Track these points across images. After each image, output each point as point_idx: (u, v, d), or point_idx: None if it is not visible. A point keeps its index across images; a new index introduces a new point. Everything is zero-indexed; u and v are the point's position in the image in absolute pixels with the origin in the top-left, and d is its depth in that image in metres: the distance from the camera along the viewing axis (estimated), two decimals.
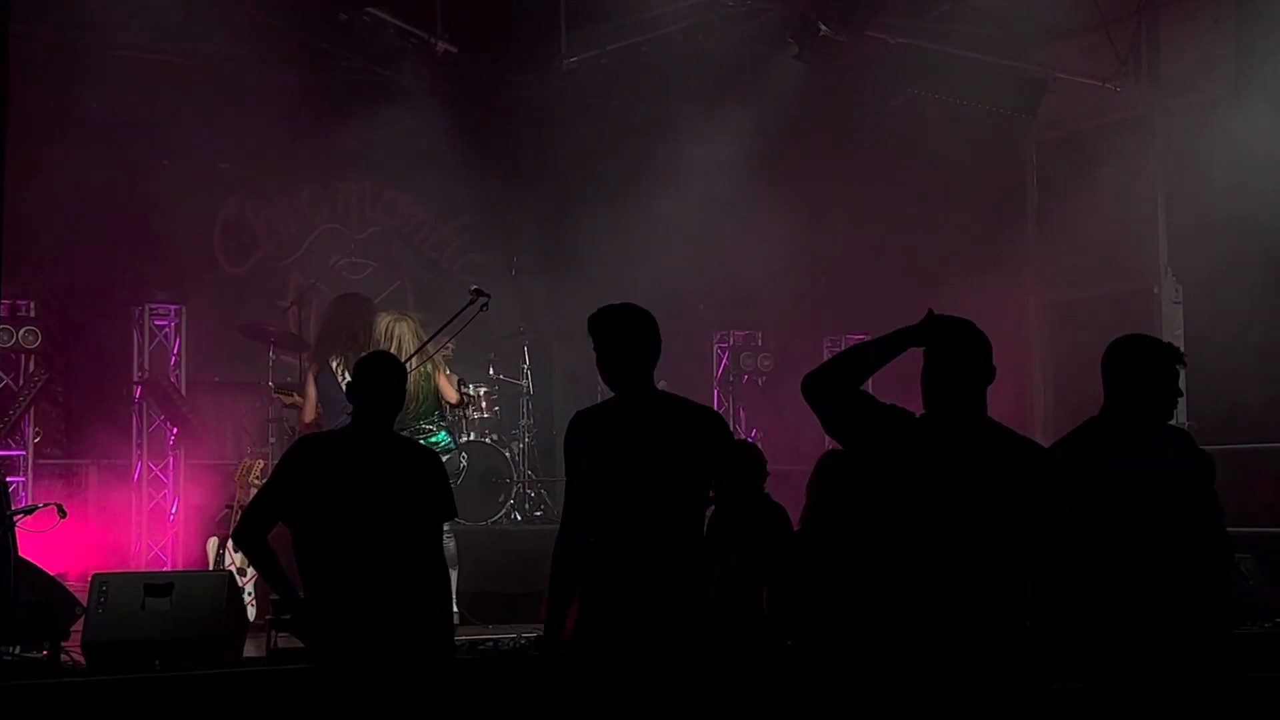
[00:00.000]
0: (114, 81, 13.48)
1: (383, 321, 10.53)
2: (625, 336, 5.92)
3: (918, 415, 5.34)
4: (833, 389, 5.32)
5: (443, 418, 10.84)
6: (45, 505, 9.47)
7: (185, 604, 8.57)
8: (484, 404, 13.33)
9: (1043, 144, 15.97)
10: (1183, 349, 12.76)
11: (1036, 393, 15.41)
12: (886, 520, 5.24)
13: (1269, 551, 11.66)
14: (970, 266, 15.24)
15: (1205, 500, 5.72)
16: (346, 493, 5.99)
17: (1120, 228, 14.00)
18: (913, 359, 5.52)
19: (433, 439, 10.58)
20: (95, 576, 8.87)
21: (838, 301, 15.73)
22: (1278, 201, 12.88)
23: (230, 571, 9.76)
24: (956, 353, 5.34)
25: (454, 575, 10.41)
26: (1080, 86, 14.55)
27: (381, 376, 6.23)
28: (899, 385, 5.74)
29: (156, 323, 13.33)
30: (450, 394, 10.80)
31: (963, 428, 5.26)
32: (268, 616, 8.81)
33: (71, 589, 9.60)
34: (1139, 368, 5.79)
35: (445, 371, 10.79)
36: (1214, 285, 13.01)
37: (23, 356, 12.84)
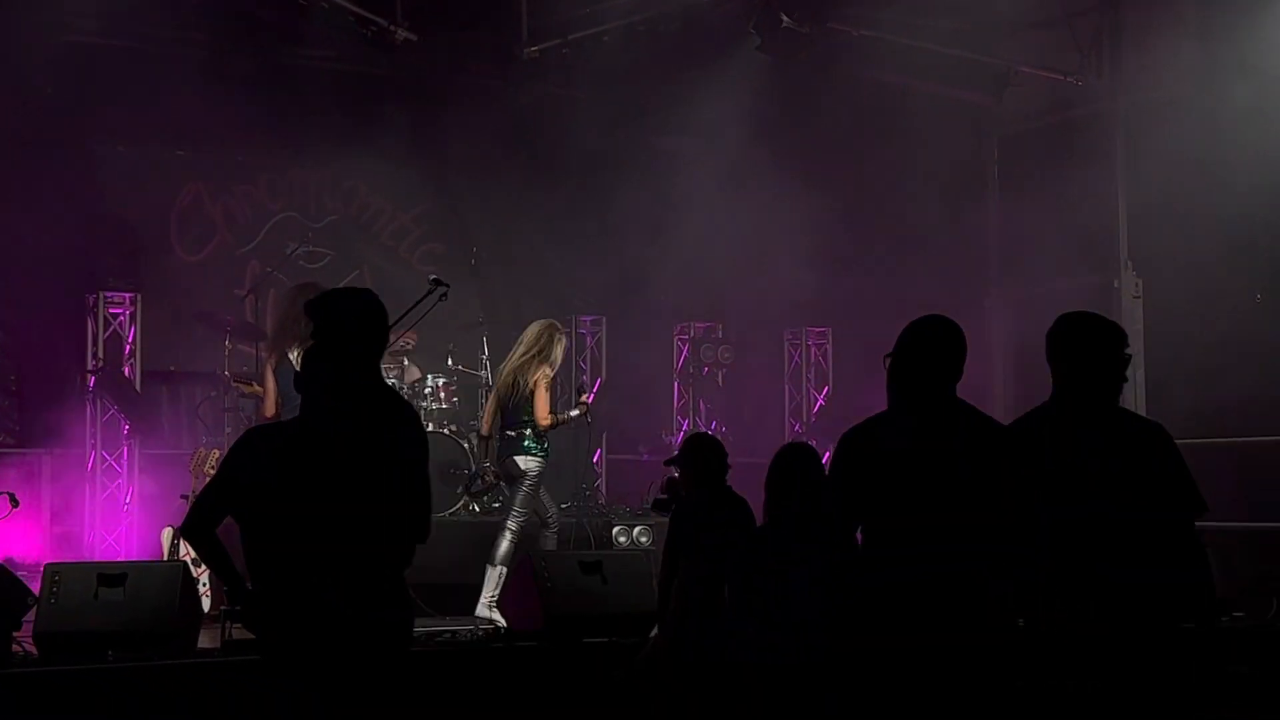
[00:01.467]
0: (70, 67, 13.35)
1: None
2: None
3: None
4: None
5: (532, 426, 10.96)
6: None
7: (139, 595, 8.50)
8: (442, 395, 13.27)
9: (1005, 138, 15.99)
10: (1143, 343, 12.81)
11: (996, 386, 15.41)
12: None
13: (1227, 547, 11.69)
14: (931, 259, 15.26)
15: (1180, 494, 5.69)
16: (293, 485, 5.90)
17: (1081, 222, 14.03)
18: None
19: (523, 443, 10.89)
20: (48, 566, 8.79)
21: (798, 294, 15.72)
22: (1238, 196, 12.91)
23: (185, 562, 9.67)
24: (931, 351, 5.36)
25: (501, 573, 10.61)
26: (1043, 80, 14.57)
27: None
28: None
29: (111, 311, 13.22)
30: (541, 411, 10.93)
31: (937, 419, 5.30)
32: (222, 607, 8.73)
33: (24, 579, 9.48)
34: (1087, 346, 5.73)
35: (545, 391, 10.96)
36: (1174, 280, 13.04)
37: None
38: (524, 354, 11.10)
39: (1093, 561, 5.44)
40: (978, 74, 14.45)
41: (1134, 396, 12.73)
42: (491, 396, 11.50)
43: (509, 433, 11.05)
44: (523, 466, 10.93)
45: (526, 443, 10.92)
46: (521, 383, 10.99)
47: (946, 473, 5.32)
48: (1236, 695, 7.63)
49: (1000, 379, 15.49)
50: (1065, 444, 5.61)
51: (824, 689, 6.15)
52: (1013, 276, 15.56)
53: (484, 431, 11.53)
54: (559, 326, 11.38)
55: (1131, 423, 5.75)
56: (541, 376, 10.95)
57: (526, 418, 10.95)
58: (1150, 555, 5.51)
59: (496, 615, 10.41)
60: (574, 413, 11.48)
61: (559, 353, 11.18)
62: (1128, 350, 5.77)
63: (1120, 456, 5.57)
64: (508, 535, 10.84)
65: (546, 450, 11.03)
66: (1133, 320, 13.27)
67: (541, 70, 14.51)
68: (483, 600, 10.66)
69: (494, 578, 10.69)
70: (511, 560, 10.62)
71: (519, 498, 10.94)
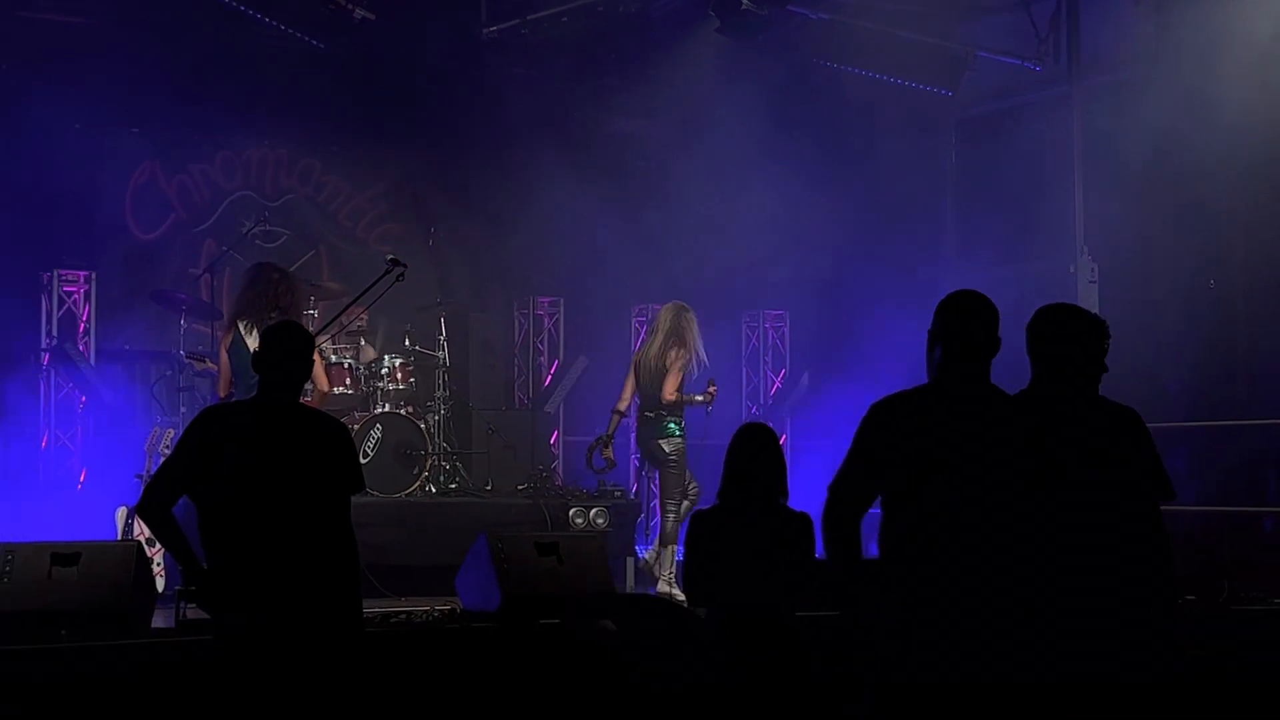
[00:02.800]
0: (23, 43, 13.26)
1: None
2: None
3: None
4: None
5: (667, 409, 11.58)
6: None
7: (93, 574, 8.45)
8: (399, 375, 13.23)
9: (962, 122, 16.04)
10: None
11: None
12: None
13: (1178, 530, 11.77)
14: (888, 243, 15.31)
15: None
16: (250, 464, 5.89)
17: (1037, 206, 14.09)
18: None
19: (664, 424, 11.54)
20: (0, 546, 8.73)
21: (757, 277, 15.75)
22: (1195, 182, 12.99)
23: (139, 542, 9.62)
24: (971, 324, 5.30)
25: (673, 551, 11.26)
26: (1000, 65, 14.61)
27: (286, 346, 6.11)
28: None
29: (66, 289, 13.15)
30: (668, 388, 11.50)
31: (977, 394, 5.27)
32: (177, 587, 8.69)
33: None
34: (1070, 336, 5.77)
35: (678, 373, 11.56)
36: (1129, 265, 13.10)
37: None
38: (663, 340, 11.64)
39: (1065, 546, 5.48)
40: (936, 58, 14.47)
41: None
42: (629, 376, 11.92)
43: (648, 414, 11.67)
44: (667, 450, 11.60)
45: (668, 425, 11.55)
46: (660, 366, 11.58)
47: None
48: (1190, 678, 7.69)
49: None
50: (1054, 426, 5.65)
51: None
52: (969, 261, 15.60)
53: (620, 407, 11.98)
54: (687, 307, 11.85)
55: (1107, 407, 5.78)
56: (677, 358, 11.56)
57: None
58: (1121, 539, 5.56)
59: (677, 591, 11.00)
60: (699, 398, 11.84)
61: (694, 333, 11.70)
62: (1107, 342, 5.83)
63: (1095, 441, 5.63)
64: (670, 516, 11.50)
65: (684, 430, 11.64)
66: (1088, 305, 13.31)
67: (501, 50, 14.47)
68: (662, 578, 11.39)
69: (667, 557, 11.37)
70: (676, 537, 11.25)
71: (669, 480, 11.62)
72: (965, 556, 5.06)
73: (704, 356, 11.76)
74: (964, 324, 5.29)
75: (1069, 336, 5.77)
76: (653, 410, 11.61)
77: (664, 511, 11.61)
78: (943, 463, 5.11)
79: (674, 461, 11.59)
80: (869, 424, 5.27)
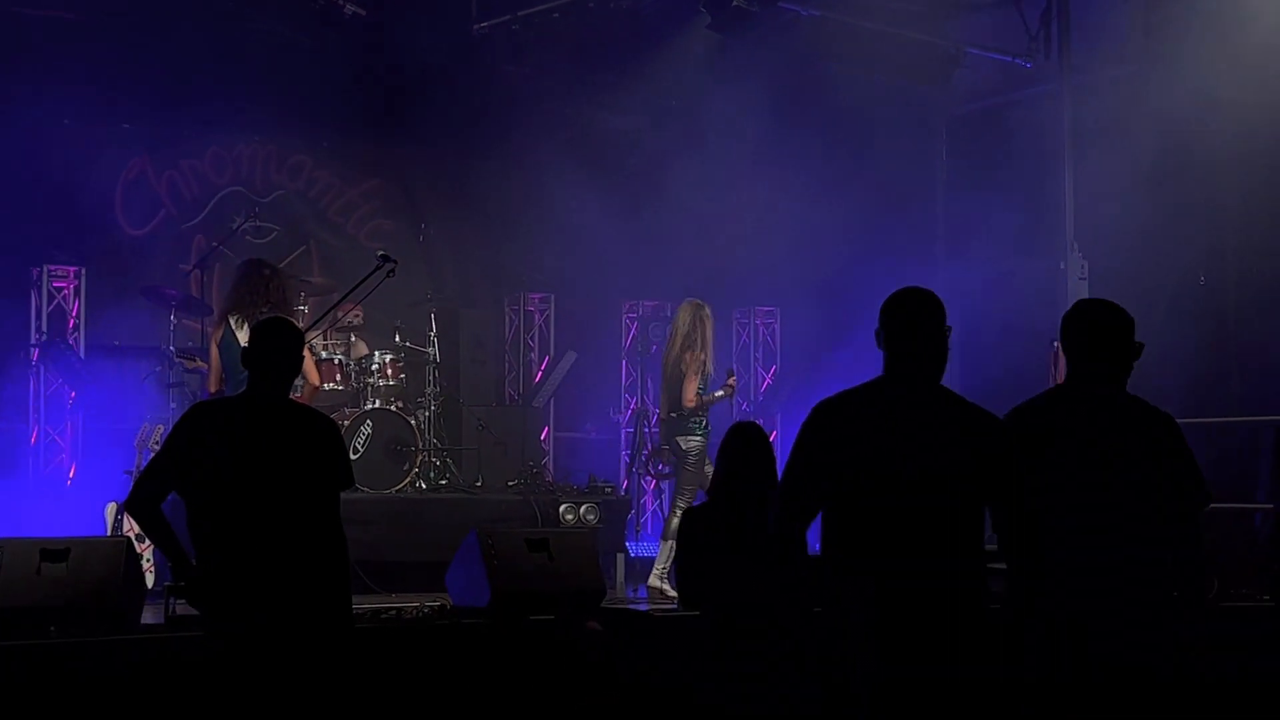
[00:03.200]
0: (12, 38, 13.23)
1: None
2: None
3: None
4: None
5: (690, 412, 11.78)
6: None
7: (82, 570, 8.43)
8: (389, 371, 13.23)
9: (953, 119, 16.04)
10: None
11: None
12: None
13: None
14: (879, 239, 15.31)
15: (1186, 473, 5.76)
16: (239, 461, 5.88)
17: (1028, 204, 14.08)
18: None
19: (685, 424, 11.73)
20: None
21: (746, 273, 15.75)
22: (1185, 179, 12.99)
23: (129, 538, 9.59)
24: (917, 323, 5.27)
25: (671, 547, 11.29)
26: (991, 62, 14.61)
27: (275, 341, 6.10)
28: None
29: (55, 284, 13.13)
30: (687, 394, 11.70)
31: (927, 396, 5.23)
32: (166, 583, 8.68)
33: None
34: (1098, 330, 5.79)
35: (694, 376, 11.72)
36: (1120, 262, 13.09)
37: None
38: (681, 342, 11.81)
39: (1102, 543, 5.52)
40: (926, 55, 14.47)
41: None
42: (662, 382, 12.16)
43: (672, 414, 11.83)
44: (684, 447, 11.75)
45: (690, 424, 11.72)
46: (678, 371, 11.77)
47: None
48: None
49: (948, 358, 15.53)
50: (1075, 423, 5.70)
51: None
52: (960, 258, 15.60)
53: (662, 415, 12.17)
54: (702, 305, 11.98)
55: (1139, 409, 5.81)
56: (692, 361, 11.71)
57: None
58: (1154, 536, 5.60)
59: (667, 586, 11.26)
60: (719, 394, 12.00)
61: (709, 333, 11.86)
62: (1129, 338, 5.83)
63: (1129, 441, 5.67)
64: (677, 512, 11.51)
65: (706, 428, 11.77)
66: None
67: (492, 46, 14.46)
68: (654, 571, 11.56)
69: (665, 551, 11.52)
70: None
71: (683, 476, 11.76)
72: (898, 558, 5.04)
73: (709, 362, 11.83)
74: (904, 323, 5.27)
75: (1095, 332, 5.81)
76: (676, 411, 11.76)
77: (673, 507, 11.75)
78: (869, 466, 5.09)
79: (691, 460, 11.71)
80: (809, 426, 5.26)
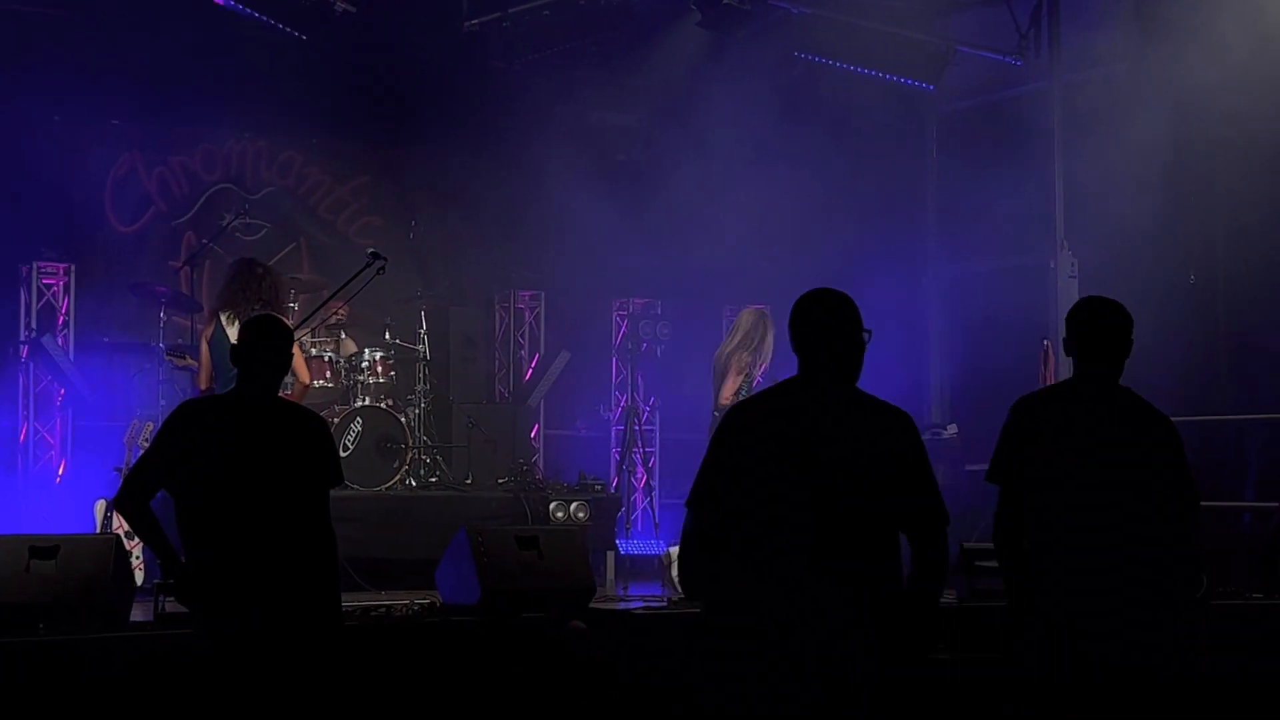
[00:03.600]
0: (1, 36, 13.20)
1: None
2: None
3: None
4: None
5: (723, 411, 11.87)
6: None
7: (71, 567, 8.41)
8: (379, 369, 13.22)
9: (944, 116, 16.05)
10: None
11: (933, 363, 15.50)
12: None
13: None
14: (870, 237, 15.31)
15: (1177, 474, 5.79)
16: (229, 458, 5.87)
17: (1018, 201, 14.09)
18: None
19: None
20: None
21: (737, 271, 15.74)
22: (1175, 177, 13.01)
23: (118, 535, 9.59)
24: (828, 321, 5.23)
25: None
26: (982, 60, 14.61)
27: (265, 339, 6.09)
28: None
29: (45, 281, 13.10)
30: (725, 392, 11.65)
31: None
32: (155, 581, 8.67)
33: None
34: (1098, 326, 5.84)
35: (735, 376, 11.68)
36: (1109, 260, 13.11)
37: None
38: (738, 341, 11.81)
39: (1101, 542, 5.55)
40: (917, 53, 14.47)
41: (1067, 376, 12.79)
42: (713, 380, 12.05)
43: (715, 413, 11.71)
44: None
45: None
46: (724, 368, 11.73)
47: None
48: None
49: (936, 357, 15.57)
50: (1076, 421, 5.73)
51: None
52: (950, 256, 15.62)
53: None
54: (767, 314, 11.98)
55: (1141, 408, 5.86)
56: (738, 362, 11.67)
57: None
58: (1152, 536, 5.63)
59: None
60: None
61: (769, 342, 11.80)
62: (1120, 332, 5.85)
63: (1130, 440, 5.72)
64: None
65: None
66: (1068, 300, 13.31)
67: (482, 43, 14.44)
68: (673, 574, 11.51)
69: None
70: None
71: None
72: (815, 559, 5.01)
73: (756, 369, 11.82)
74: (814, 326, 5.24)
75: (1092, 327, 5.86)
76: (718, 409, 11.68)
77: None
78: (776, 469, 5.06)
79: None
80: (720, 431, 5.26)
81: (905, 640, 5.03)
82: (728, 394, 11.60)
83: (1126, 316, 5.88)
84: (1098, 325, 5.84)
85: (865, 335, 5.24)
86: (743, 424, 5.22)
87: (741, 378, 11.65)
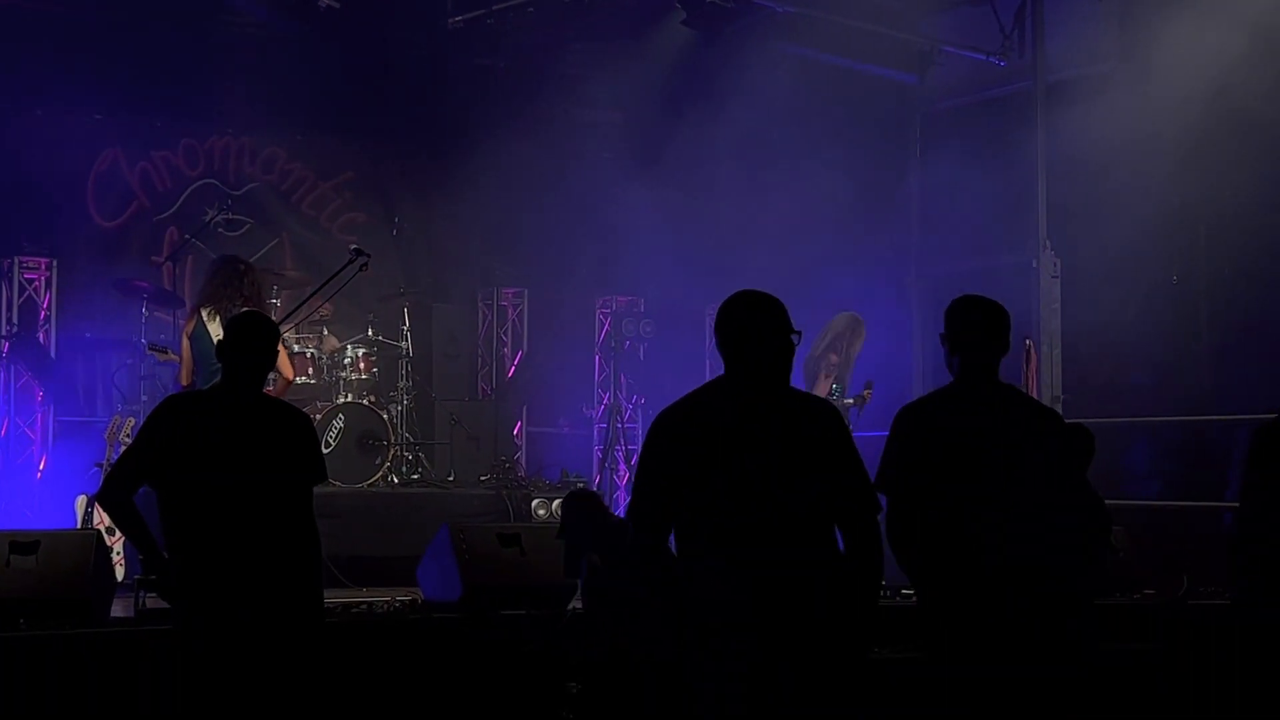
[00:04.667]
0: None
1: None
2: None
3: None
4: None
5: None
6: None
7: (51, 562, 8.40)
8: (362, 365, 13.20)
9: (927, 116, 16.04)
10: (1060, 323, 12.89)
11: (915, 364, 15.50)
12: None
13: (1139, 524, 11.83)
14: (852, 236, 15.30)
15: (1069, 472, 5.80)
16: (213, 454, 5.86)
17: (1001, 201, 14.11)
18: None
19: None
20: None
21: (721, 268, 15.73)
22: (1156, 177, 13.02)
23: (98, 530, 9.58)
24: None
25: None
26: (965, 60, 14.63)
27: (251, 336, 6.09)
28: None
29: (26, 276, 13.08)
30: (819, 392, 11.76)
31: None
32: (136, 576, 8.66)
33: None
34: (978, 326, 5.81)
35: (825, 379, 11.94)
36: (1092, 260, 13.14)
37: None
38: (829, 342, 12.09)
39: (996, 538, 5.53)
40: (901, 52, 14.49)
41: (1049, 375, 12.83)
42: (804, 378, 12.23)
43: None
44: None
45: None
46: (813, 370, 11.95)
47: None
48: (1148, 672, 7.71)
49: (918, 358, 15.57)
50: (967, 421, 5.70)
51: None
52: (933, 255, 15.62)
53: None
54: (859, 320, 12.28)
55: (1023, 401, 5.88)
56: (828, 364, 11.96)
57: None
58: (1056, 529, 5.63)
59: None
60: (849, 400, 12.02)
61: (857, 347, 12.07)
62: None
63: (1014, 435, 5.67)
64: None
65: None
66: (1050, 300, 13.36)
67: (466, 40, 14.44)
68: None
69: None
70: None
71: None
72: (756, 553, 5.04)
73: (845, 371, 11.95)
74: (738, 328, 5.26)
75: (971, 326, 5.80)
76: None
77: None
78: (712, 470, 5.09)
79: None
80: (651, 438, 5.29)
81: (849, 632, 5.08)
82: (822, 393, 11.67)
83: (1003, 313, 5.83)
84: (984, 321, 5.79)
85: (795, 337, 5.27)
86: (673, 430, 5.24)
87: (832, 379, 11.73)
